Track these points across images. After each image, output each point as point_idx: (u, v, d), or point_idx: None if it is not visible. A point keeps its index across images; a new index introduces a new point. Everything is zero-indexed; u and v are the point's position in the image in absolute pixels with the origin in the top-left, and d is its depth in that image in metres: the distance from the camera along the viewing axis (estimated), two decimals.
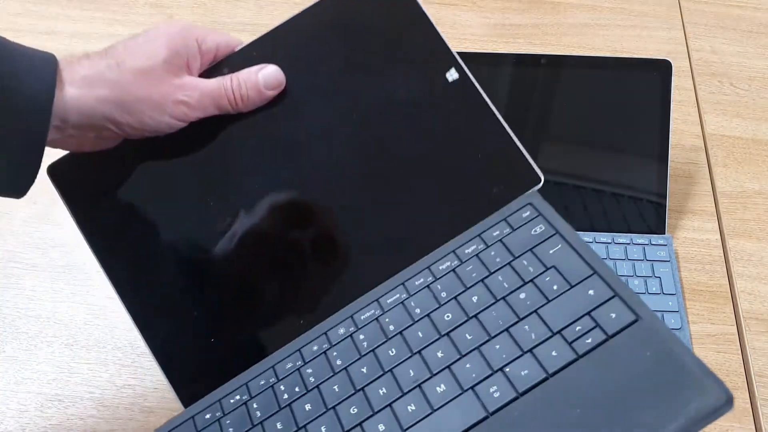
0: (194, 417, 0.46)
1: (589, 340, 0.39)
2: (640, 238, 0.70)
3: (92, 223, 0.50)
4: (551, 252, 0.44)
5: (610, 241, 0.70)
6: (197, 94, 0.46)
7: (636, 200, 0.71)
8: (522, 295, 0.43)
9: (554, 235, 0.45)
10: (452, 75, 0.49)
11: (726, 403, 0.36)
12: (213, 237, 0.49)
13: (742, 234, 0.73)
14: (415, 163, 0.49)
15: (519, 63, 0.71)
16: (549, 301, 0.42)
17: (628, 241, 0.70)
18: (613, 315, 0.40)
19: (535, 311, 0.42)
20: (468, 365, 0.41)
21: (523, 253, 0.44)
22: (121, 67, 0.44)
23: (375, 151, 0.49)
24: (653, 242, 0.70)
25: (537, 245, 0.44)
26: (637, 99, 0.71)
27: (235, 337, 0.49)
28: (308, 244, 0.49)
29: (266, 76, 0.48)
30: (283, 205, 0.49)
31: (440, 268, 0.46)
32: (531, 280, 0.43)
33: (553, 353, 0.39)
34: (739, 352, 0.65)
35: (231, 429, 0.44)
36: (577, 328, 0.40)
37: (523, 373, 0.39)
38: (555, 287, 0.42)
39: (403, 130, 0.49)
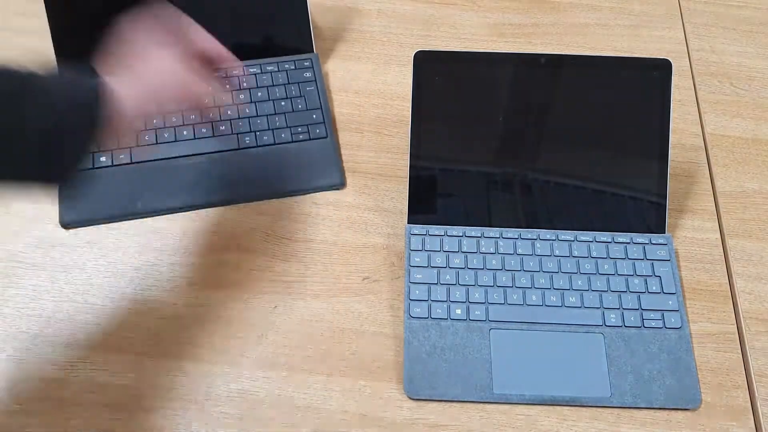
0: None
1: (301, 136, 0.76)
2: (640, 237, 0.70)
3: None
4: None
5: (610, 240, 0.70)
6: None
7: (636, 199, 0.71)
8: None
9: None
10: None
11: (341, 184, 0.74)
12: None
13: (742, 233, 0.73)
14: None
15: (519, 63, 0.71)
16: None
17: (628, 240, 0.70)
18: (317, 130, 0.77)
19: None
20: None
21: None
22: None
23: None
24: (653, 241, 0.70)
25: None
26: (637, 99, 0.71)
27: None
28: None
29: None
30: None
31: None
32: None
33: (283, 135, 0.76)
34: (739, 351, 0.66)
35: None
36: (300, 129, 0.77)
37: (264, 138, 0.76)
38: None
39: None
